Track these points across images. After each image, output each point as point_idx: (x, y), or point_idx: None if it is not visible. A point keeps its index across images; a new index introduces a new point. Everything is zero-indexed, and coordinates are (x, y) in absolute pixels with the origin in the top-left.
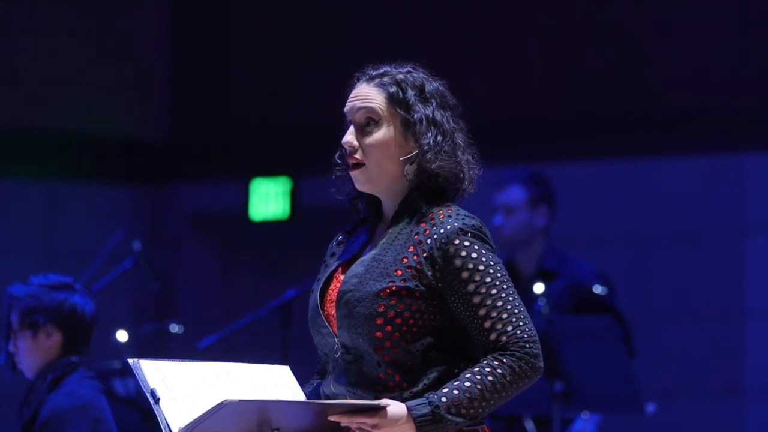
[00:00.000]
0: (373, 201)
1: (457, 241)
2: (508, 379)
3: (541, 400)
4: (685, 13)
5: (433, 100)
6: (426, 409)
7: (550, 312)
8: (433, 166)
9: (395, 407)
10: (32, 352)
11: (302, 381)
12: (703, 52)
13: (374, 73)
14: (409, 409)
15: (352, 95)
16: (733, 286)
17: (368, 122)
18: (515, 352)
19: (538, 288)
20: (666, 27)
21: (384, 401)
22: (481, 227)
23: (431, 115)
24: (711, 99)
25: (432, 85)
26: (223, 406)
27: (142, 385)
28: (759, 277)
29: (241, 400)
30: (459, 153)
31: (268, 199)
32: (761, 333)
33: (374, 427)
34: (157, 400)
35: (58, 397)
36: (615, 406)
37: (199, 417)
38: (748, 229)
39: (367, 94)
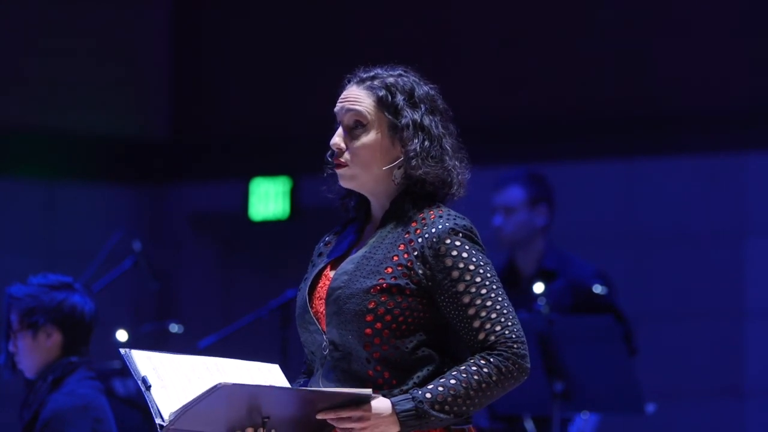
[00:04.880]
0: (363, 201)
1: (448, 241)
2: (494, 378)
3: (541, 400)
4: (685, 13)
5: (422, 105)
6: (409, 404)
7: (550, 312)
8: (419, 172)
9: (380, 402)
10: (32, 352)
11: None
12: (703, 52)
13: (365, 76)
14: (392, 404)
15: (342, 97)
16: (733, 286)
17: (356, 125)
18: (503, 352)
19: (538, 288)
20: (666, 27)
21: (370, 390)
22: (471, 228)
23: (419, 120)
24: (711, 99)
25: (422, 90)
26: (217, 389)
27: (133, 373)
28: (759, 277)
29: (234, 384)
30: (447, 158)
31: (268, 199)
32: (761, 333)
33: (359, 419)
34: (148, 387)
35: (58, 398)
36: (615, 406)
37: (192, 400)
38: (748, 229)
39: (357, 97)
